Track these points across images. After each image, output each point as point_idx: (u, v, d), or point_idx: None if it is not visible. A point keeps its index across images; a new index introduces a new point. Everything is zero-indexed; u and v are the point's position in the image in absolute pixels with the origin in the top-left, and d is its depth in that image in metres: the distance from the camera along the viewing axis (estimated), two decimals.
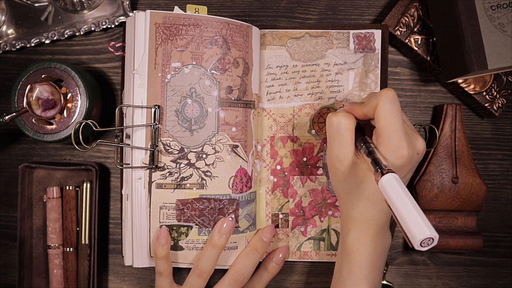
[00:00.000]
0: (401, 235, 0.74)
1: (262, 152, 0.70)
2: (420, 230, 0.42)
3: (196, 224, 0.64)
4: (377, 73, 0.69)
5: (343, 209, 0.61)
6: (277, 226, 0.70)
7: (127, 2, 0.72)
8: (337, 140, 0.55)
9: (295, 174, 0.70)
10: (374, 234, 0.58)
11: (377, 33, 0.69)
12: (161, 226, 0.64)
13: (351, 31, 0.69)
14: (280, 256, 0.69)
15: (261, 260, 0.70)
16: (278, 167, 0.70)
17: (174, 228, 0.64)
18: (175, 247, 0.65)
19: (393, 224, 0.71)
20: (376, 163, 0.50)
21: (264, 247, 0.67)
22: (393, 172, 0.47)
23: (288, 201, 0.70)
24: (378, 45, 0.69)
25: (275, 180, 0.70)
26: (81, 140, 0.62)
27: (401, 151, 0.51)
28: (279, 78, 0.70)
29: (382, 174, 0.47)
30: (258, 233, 0.68)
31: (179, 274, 0.73)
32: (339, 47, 0.70)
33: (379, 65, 0.69)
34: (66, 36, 0.73)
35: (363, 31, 0.69)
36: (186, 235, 0.64)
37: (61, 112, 0.66)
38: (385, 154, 0.52)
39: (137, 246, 0.65)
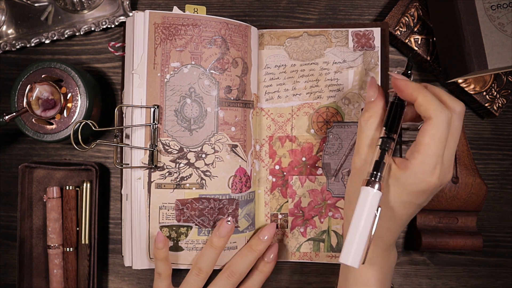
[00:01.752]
0: (401, 235, 0.74)
1: (261, 152, 0.70)
2: (355, 258, 0.47)
3: (196, 224, 0.64)
4: (377, 71, 0.69)
5: (347, 221, 0.57)
6: (276, 227, 0.70)
7: (127, 2, 0.72)
8: (358, 133, 0.55)
9: (294, 174, 0.70)
10: (379, 252, 0.56)
11: (376, 31, 0.69)
12: (160, 228, 0.64)
13: (350, 29, 0.69)
14: (272, 256, 0.67)
15: None
16: (277, 167, 0.70)
17: (174, 228, 0.64)
18: (175, 248, 0.65)
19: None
20: (377, 166, 0.49)
21: (261, 246, 0.66)
22: (381, 190, 0.48)
23: (287, 201, 0.70)
24: (377, 43, 0.69)
25: (274, 180, 0.70)
26: (80, 140, 0.62)
27: (431, 178, 0.49)
28: (278, 78, 0.70)
29: (371, 183, 0.48)
30: (257, 232, 0.68)
31: (179, 275, 0.73)
32: (338, 45, 0.70)
33: (379, 63, 0.69)
34: (66, 36, 0.73)
35: (362, 29, 0.69)
36: (186, 236, 0.64)
37: (61, 112, 0.66)
38: (413, 172, 0.49)
39: (136, 247, 0.64)
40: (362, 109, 0.69)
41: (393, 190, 0.51)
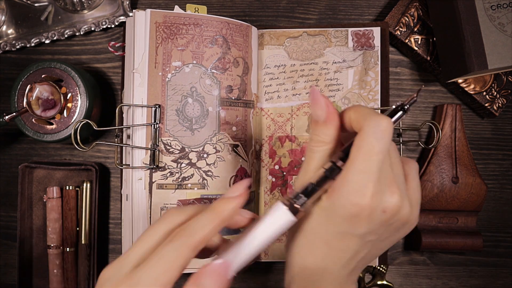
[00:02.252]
0: None
1: (261, 152, 0.70)
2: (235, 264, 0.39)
3: None
4: (377, 71, 0.69)
5: (286, 254, 0.47)
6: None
7: (127, 2, 0.72)
8: (306, 161, 0.43)
9: (293, 174, 0.70)
10: None
11: (376, 31, 0.69)
12: None
13: (350, 29, 0.69)
14: (239, 189, 0.41)
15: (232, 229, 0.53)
16: (277, 167, 0.70)
17: None
18: None
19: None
20: (307, 190, 0.40)
21: (223, 206, 0.40)
22: (295, 216, 0.40)
23: None
24: (377, 42, 0.69)
25: (274, 180, 0.70)
26: (78, 140, 0.62)
27: (360, 198, 0.38)
28: (277, 78, 0.70)
29: (290, 204, 0.40)
30: None
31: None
32: (338, 45, 0.70)
33: (379, 63, 0.69)
34: (66, 36, 0.73)
35: (362, 28, 0.69)
36: None
37: (61, 112, 0.66)
38: (340, 194, 0.39)
39: None
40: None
41: (322, 220, 0.41)
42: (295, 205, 0.40)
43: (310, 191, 0.40)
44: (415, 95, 0.41)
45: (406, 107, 0.41)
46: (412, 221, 0.42)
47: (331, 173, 0.40)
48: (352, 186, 0.38)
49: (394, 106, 0.41)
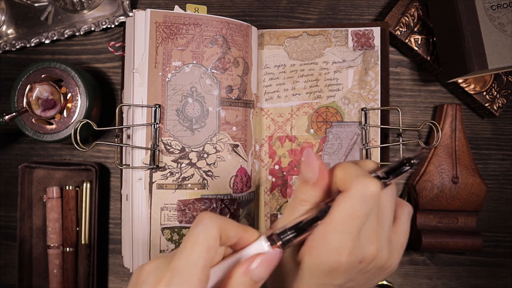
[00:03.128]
0: None
1: (261, 151, 0.70)
2: None
3: None
4: (377, 70, 0.69)
5: None
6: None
7: (127, 2, 0.72)
8: (288, 213, 0.43)
9: (293, 174, 0.70)
10: None
11: (376, 31, 0.69)
12: (162, 230, 0.63)
13: (350, 29, 0.69)
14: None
15: None
16: (277, 167, 0.70)
17: (176, 230, 0.64)
18: None
19: None
20: (297, 228, 0.39)
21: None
22: (281, 248, 0.39)
23: (287, 201, 0.70)
24: (377, 42, 0.69)
25: (274, 180, 0.70)
26: (78, 140, 0.62)
27: (338, 257, 0.38)
28: (277, 78, 0.70)
29: (273, 240, 0.39)
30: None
31: None
32: (338, 45, 0.70)
33: (379, 62, 0.69)
34: (66, 36, 0.73)
35: (362, 28, 0.69)
36: None
37: (61, 112, 0.66)
38: (318, 251, 0.39)
39: (136, 250, 0.64)
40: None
41: (303, 274, 0.41)
42: (278, 244, 0.39)
43: (299, 228, 0.39)
44: (424, 151, 0.40)
45: (413, 161, 0.39)
46: (390, 267, 0.42)
47: (324, 215, 0.39)
48: (331, 245, 0.38)
49: (400, 160, 0.40)
